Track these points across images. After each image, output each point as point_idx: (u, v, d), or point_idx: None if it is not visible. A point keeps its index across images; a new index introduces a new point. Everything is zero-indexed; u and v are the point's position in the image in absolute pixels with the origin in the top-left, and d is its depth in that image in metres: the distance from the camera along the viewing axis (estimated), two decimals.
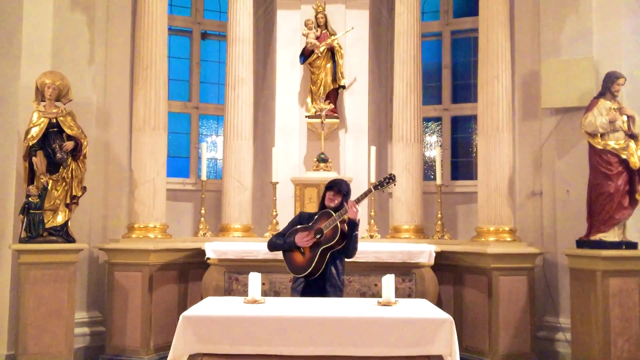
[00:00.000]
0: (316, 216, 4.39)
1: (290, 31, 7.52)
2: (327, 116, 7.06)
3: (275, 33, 7.64)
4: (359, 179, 7.03)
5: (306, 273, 4.31)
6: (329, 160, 7.02)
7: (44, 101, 5.77)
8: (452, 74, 7.75)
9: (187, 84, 7.82)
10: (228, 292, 5.95)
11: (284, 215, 6.38)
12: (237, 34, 6.93)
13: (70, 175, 5.70)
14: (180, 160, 7.75)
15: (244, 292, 5.50)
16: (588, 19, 6.28)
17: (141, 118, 6.41)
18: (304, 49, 7.31)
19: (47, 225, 5.59)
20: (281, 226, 5.82)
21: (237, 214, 6.80)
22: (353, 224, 4.28)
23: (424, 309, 3.86)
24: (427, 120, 7.75)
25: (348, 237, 4.29)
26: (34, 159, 5.55)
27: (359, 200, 4.28)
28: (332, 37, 7.28)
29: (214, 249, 6.01)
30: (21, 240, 5.55)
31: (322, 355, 3.50)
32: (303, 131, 7.42)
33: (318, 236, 4.28)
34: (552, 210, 6.50)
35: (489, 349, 5.99)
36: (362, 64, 7.49)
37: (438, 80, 7.80)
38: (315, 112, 7.15)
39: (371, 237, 6.73)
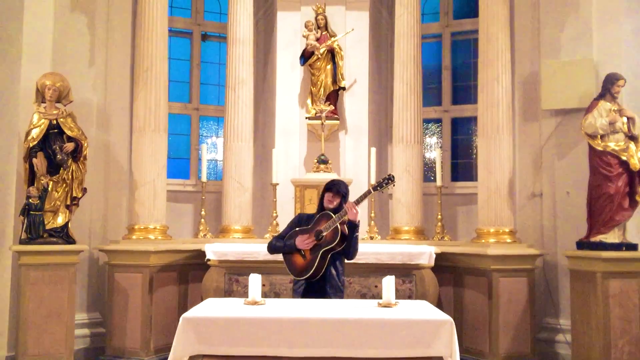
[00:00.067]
0: (315, 218, 4.38)
1: (291, 33, 7.52)
2: (327, 117, 7.07)
3: (275, 34, 7.64)
4: (359, 181, 7.03)
5: (307, 275, 4.30)
6: (329, 161, 7.03)
7: (45, 102, 5.77)
8: (452, 75, 7.76)
9: (188, 86, 7.82)
10: (228, 293, 5.95)
11: (284, 217, 6.38)
12: (237, 35, 6.93)
13: (70, 176, 5.70)
14: (180, 162, 7.76)
15: (244, 294, 5.51)
16: (588, 20, 6.29)
17: (141, 119, 6.41)
18: (304, 51, 7.31)
19: (48, 227, 5.59)
20: (281, 227, 5.82)
21: (237, 215, 6.81)
22: (353, 226, 4.27)
23: (424, 311, 3.86)
24: (427, 121, 7.75)
25: (348, 239, 4.28)
26: (34, 160, 5.55)
27: (358, 202, 4.25)
28: (332, 39, 7.29)
29: (214, 250, 6.01)
30: (21, 242, 5.54)
31: (322, 356, 3.50)
32: (303, 132, 7.42)
33: (318, 239, 4.27)
34: (552, 211, 6.51)
35: (489, 350, 5.99)
36: (362, 65, 7.50)
37: (438, 82, 7.80)
38: (316, 113, 7.16)
39: (371, 238, 6.74)
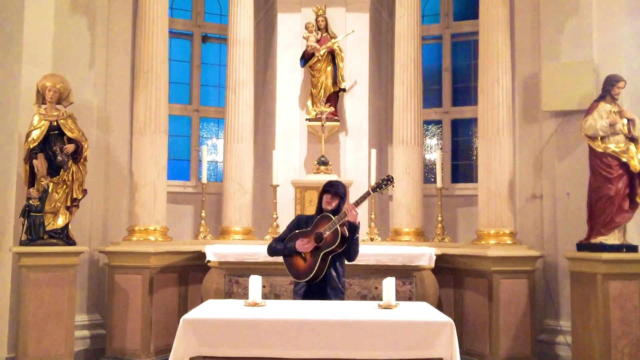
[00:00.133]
0: (315, 220, 4.36)
1: (291, 34, 7.53)
2: (327, 119, 7.07)
3: (275, 36, 7.65)
4: (360, 182, 7.03)
5: (308, 278, 4.29)
6: (330, 163, 7.03)
7: (45, 104, 5.78)
8: (453, 77, 7.76)
9: (188, 87, 7.83)
10: (228, 295, 5.95)
11: (285, 218, 6.37)
12: (238, 36, 6.94)
13: (70, 178, 5.70)
14: (180, 163, 7.76)
15: (244, 295, 5.51)
16: (588, 22, 6.30)
17: (142, 121, 6.42)
18: (304, 52, 7.32)
19: (48, 228, 5.59)
20: (281, 229, 5.82)
21: (237, 217, 6.81)
22: (353, 227, 4.26)
23: (424, 312, 3.86)
24: (427, 123, 7.75)
25: (349, 241, 4.27)
26: (34, 161, 5.55)
27: (358, 203, 4.23)
28: (333, 40, 7.29)
29: (215, 251, 6.01)
30: (22, 243, 5.54)
31: (322, 358, 3.49)
32: (303, 134, 7.43)
33: (319, 241, 4.26)
34: (552, 213, 6.50)
35: (489, 352, 5.99)
36: (363, 66, 7.50)
37: (438, 83, 7.80)
38: (316, 114, 7.16)
39: (371, 240, 6.74)
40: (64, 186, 5.68)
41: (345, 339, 3.49)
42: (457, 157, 7.75)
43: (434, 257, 5.93)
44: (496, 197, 6.23)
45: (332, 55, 7.29)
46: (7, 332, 5.72)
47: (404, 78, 6.80)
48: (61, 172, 5.66)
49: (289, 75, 7.54)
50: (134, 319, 6.07)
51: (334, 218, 4.23)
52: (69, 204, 5.71)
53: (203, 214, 7.02)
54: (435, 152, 7.43)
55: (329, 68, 7.28)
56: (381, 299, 3.98)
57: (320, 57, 7.23)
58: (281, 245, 4.41)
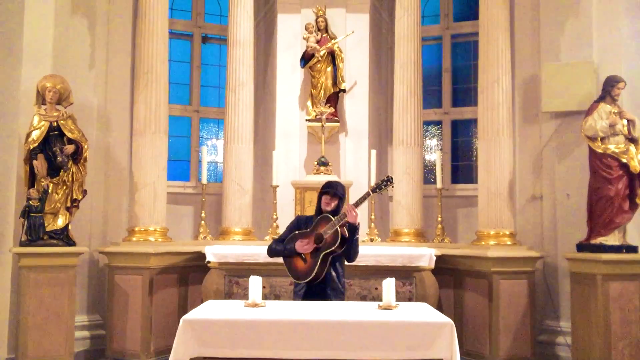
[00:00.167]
0: (315, 221, 4.36)
1: (291, 35, 7.53)
2: (327, 120, 7.08)
3: (275, 37, 7.65)
4: (360, 183, 7.03)
5: (308, 279, 4.29)
6: (330, 163, 7.03)
7: (45, 104, 5.77)
8: (453, 77, 7.76)
9: (188, 88, 7.83)
10: (228, 295, 5.94)
11: (285, 219, 6.37)
12: (238, 37, 6.94)
13: (70, 178, 5.70)
14: (180, 164, 7.75)
15: (244, 296, 5.50)
16: (588, 23, 6.30)
17: (142, 121, 6.42)
18: (304, 53, 7.32)
19: (48, 229, 5.58)
20: (281, 229, 5.83)
21: (237, 218, 6.81)
22: (353, 228, 4.26)
23: (424, 313, 3.86)
24: (427, 123, 7.75)
25: (349, 242, 4.27)
26: (34, 162, 5.55)
27: (357, 204, 4.23)
28: (333, 41, 7.29)
29: (215, 252, 6.01)
30: (22, 244, 5.54)
31: (322, 359, 3.50)
32: (303, 135, 7.43)
33: (319, 243, 4.25)
34: (552, 213, 6.50)
35: (489, 352, 5.99)
36: (363, 67, 7.50)
37: (438, 84, 7.80)
38: (316, 115, 7.16)
39: (371, 240, 6.74)
40: (64, 187, 5.68)
41: (346, 339, 3.50)
42: (457, 158, 7.75)
43: (434, 258, 5.93)
44: (496, 198, 6.23)
45: (332, 56, 7.30)
46: (7, 333, 5.71)
47: (403, 79, 6.80)
48: (61, 173, 5.65)
49: (288, 75, 7.54)
50: (134, 320, 6.07)
51: (333, 219, 4.23)
52: (69, 204, 5.71)
53: (203, 215, 7.02)
54: (435, 152, 7.43)
55: (329, 69, 7.28)
56: (381, 300, 3.98)
57: (320, 58, 7.23)
58: (281, 246, 4.41)
